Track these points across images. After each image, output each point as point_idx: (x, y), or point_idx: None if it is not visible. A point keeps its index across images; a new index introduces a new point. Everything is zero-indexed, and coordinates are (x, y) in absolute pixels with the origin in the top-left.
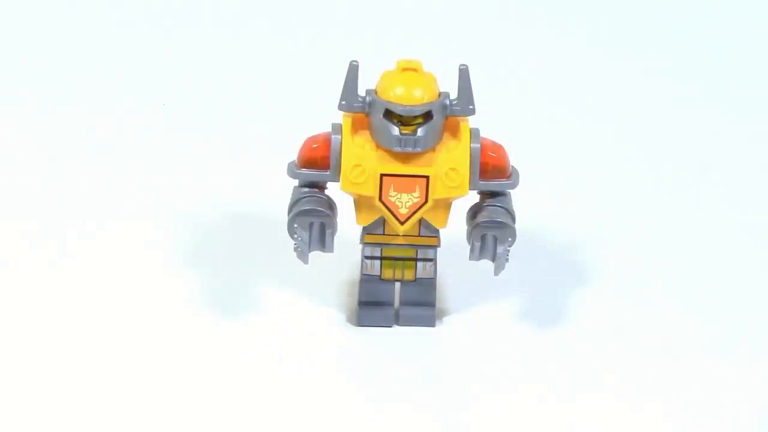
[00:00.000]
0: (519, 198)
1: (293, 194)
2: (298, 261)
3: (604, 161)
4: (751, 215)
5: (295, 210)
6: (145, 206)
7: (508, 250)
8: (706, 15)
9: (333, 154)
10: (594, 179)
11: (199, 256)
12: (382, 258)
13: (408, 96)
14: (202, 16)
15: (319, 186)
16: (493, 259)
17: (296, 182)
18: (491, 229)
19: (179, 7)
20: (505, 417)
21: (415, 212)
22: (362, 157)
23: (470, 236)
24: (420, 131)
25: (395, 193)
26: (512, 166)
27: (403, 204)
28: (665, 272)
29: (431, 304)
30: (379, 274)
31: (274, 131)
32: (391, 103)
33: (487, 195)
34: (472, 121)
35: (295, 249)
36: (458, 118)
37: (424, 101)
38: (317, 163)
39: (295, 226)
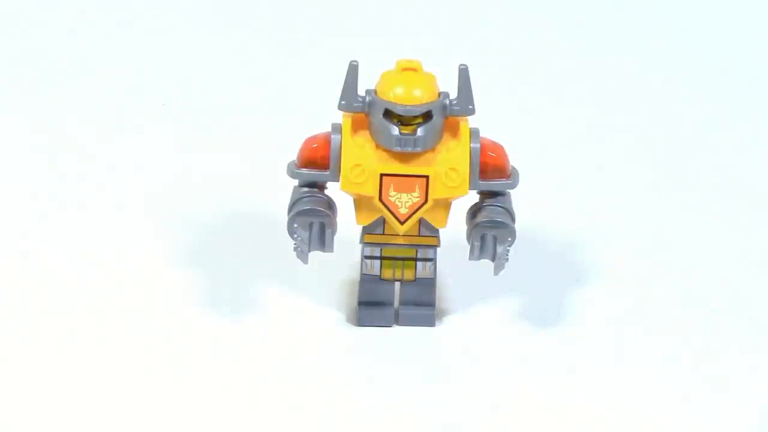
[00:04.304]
0: (519, 198)
1: (293, 194)
2: (298, 261)
3: (604, 161)
4: (750, 215)
5: (295, 210)
6: (145, 206)
7: (508, 250)
8: (705, 16)
9: (333, 154)
10: (594, 179)
11: (199, 256)
12: (382, 258)
13: (408, 96)
14: (201, 16)
15: (319, 186)
16: (493, 259)
17: (296, 182)
18: (491, 229)
19: (179, 7)
20: (505, 417)
21: (414, 212)
22: (362, 157)
23: (470, 236)
24: (420, 131)
25: (395, 193)
26: (512, 166)
27: (402, 204)
28: (665, 272)
29: (431, 304)
30: (379, 273)
31: (274, 131)
32: (391, 103)
33: (487, 195)
34: (472, 121)
35: (295, 249)
36: (458, 118)
37: (424, 101)
38: (317, 163)
39: (295, 226)
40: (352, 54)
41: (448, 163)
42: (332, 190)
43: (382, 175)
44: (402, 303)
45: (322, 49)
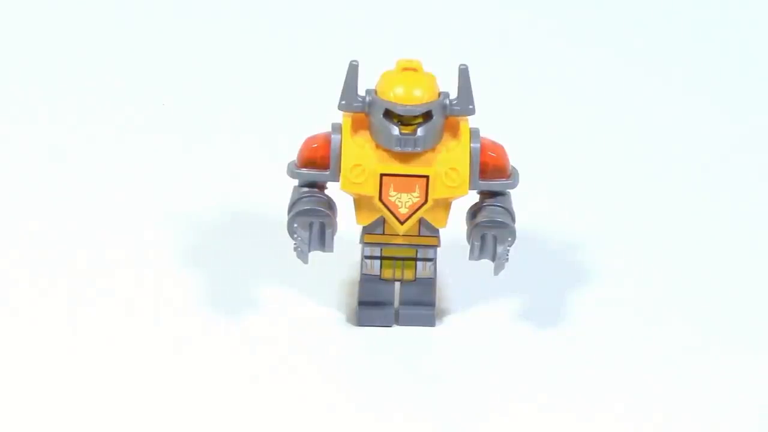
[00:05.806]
0: (519, 198)
1: (293, 194)
2: (298, 261)
3: (604, 161)
4: (749, 216)
5: (295, 210)
6: (145, 206)
7: (508, 250)
8: (704, 16)
9: (333, 154)
10: (594, 179)
11: (200, 256)
12: (382, 258)
13: (408, 96)
14: (201, 16)
15: (319, 186)
16: (493, 259)
17: (296, 182)
18: (491, 228)
19: (179, 7)
20: (505, 417)
21: (414, 212)
22: (362, 157)
23: (470, 236)
24: (420, 131)
25: (395, 192)
26: (512, 166)
27: (402, 204)
28: (665, 272)
29: (431, 304)
30: (379, 273)
31: (275, 131)
32: (391, 102)
33: (487, 195)
34: (472, 121)
35: (295, 249)
36: (458, 118)
37: (424, 101)
38: (317, 163)
39: (295, 225)
40: (352, 54)
41: (448, 163)
42: (332, 190)
43: (382, 175)
44: (402, 303)
45: (322, 49)
